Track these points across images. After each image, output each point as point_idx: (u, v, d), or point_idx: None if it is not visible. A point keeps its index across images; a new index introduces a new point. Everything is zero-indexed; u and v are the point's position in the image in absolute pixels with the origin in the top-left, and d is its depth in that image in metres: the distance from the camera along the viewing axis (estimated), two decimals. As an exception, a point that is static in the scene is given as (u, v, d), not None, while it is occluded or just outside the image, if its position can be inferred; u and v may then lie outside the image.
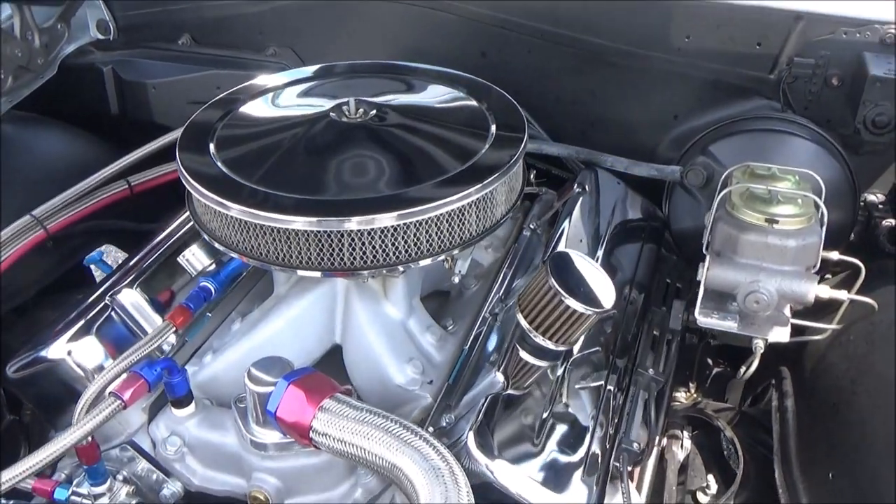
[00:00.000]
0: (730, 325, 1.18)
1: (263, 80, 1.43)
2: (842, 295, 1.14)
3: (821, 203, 1.17)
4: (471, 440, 1.02)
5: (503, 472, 1.02)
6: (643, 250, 1.45)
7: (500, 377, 1.10)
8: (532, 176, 1.57)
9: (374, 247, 1.09)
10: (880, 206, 1.55)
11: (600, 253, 1.38)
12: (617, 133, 1.66)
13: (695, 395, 1.52)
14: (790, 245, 1.14)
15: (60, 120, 1.84)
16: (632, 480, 1.16)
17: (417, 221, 1.08)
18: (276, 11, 1.79)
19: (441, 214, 1.09)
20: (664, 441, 1.33)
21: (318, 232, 1.07)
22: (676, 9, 1.54)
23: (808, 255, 1.15)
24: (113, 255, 1.79)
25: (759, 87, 1.55)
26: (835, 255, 1.23)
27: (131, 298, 1.24)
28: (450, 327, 1.31)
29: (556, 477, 1.07)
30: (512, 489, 1.01)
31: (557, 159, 1.64)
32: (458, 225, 1.13)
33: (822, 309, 1.23)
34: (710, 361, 1.61)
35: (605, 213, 1.47)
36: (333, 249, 1.09)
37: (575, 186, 1.49)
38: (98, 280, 1.43)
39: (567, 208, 1.43)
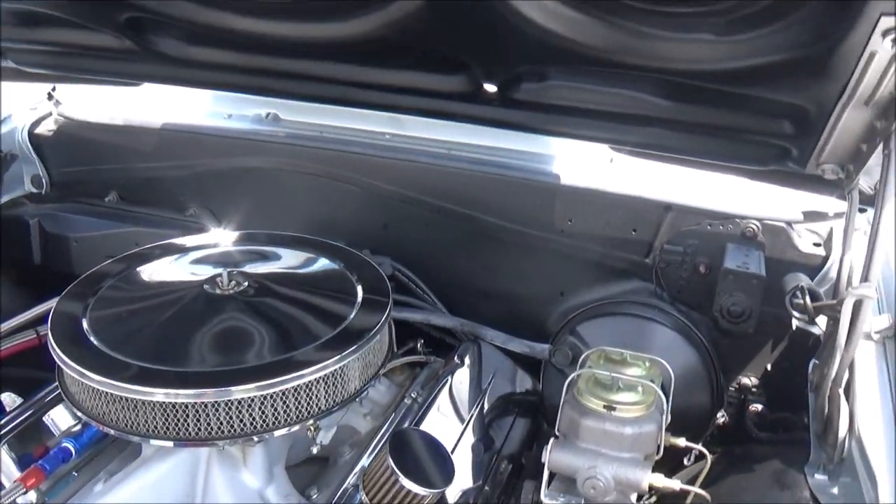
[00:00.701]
0: (579, 507, 1.20)
1: (155, 246, 1.52)
2: (675, 485, 1.17)
3: (659, 392, 1.23)
4: None
5: None
6: (515, 424, 1.49)
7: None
8: (420, 345, 1.64)
9: (219, 418, 1.13)
10: (753, 390, 1.60)
11: (470, 426, 1.41)
12: (507, 306, 1.72)
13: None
14: (627, 432, 1.18)
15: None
16: None
17: (262, 396, 1.13)
18: (197, 176, 1.90)
19: (287, 389, 1.14)
20: None
21: (165, 403, 1.11)
22: (559, 193, 1.65)
23: (646, 442, 1.19)
24: (11, 403, 1.80)
25: (637, 270, 1.64)
26: (682, 442, 1.27)
27: (-7, 456, 1.26)
28: (314, 496, 1.33)
29: None
30: None
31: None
32: (307, 399, 1.17)
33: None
34: None
35: (482, 386, 1.51)
36: (179, 420, 1.13)
37: (455, 359, 1.55)
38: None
39: (441, 380, 1.48)
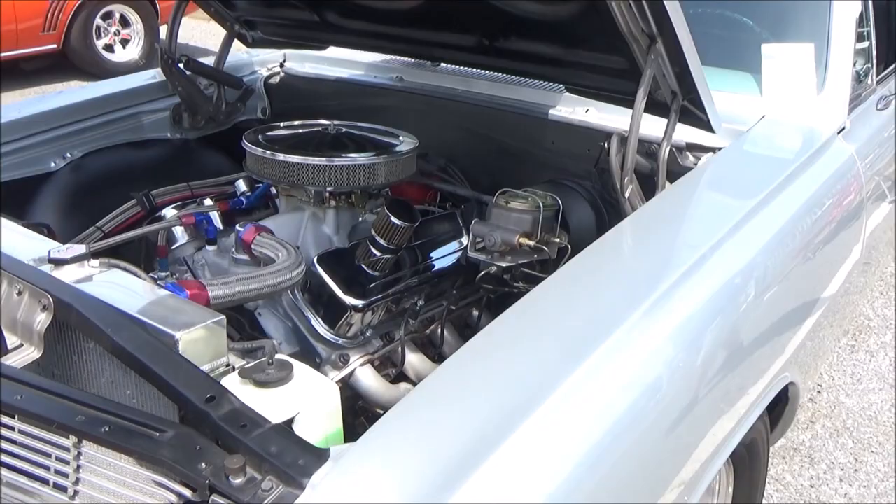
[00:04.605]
0: (481, 257, 2.19)
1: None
2: (531, 241, 2.12)
3: (539, 203, 2.18)
4: (317, 260, 2.12)
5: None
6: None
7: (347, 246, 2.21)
8: (448, 205, 2.70)
9: (308, 175, 2.26)
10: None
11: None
12: (511, 195, 2.73)
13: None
14: (512, 216, 2.15)
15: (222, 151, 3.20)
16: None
17: (330, 166, 2.25)
18: (351, 111, 3.09)
19: (340, 166, 2.25)
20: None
21: (286, 163, 2.27)
22: (548, 124, 2.64)
23: (522, 224, 2.14)
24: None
25: (590, 176, 2.58)
26: (557, 239, 2.21)
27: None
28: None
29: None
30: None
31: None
32: (353, 175, 2.27)
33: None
34: None
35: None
36: (295, 174, 2.27)
37: (462, 207, 2.60)
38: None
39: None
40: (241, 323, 2.16)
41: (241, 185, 2.56)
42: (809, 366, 2.44)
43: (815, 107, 2.51)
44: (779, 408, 2.30)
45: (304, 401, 1.48)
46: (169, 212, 2.47)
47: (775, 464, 3.13)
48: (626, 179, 2.07)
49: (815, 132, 2.43)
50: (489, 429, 1.26)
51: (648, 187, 2.21)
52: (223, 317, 1.62)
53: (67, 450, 1.44)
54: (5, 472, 1.51)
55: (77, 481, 1.44)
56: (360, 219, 2.41)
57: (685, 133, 2.38)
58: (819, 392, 3.60)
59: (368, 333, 2.19)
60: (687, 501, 1.60)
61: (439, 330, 2.35)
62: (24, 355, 1.69)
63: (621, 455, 1.39)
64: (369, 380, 2.15)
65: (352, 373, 2.14)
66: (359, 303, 2.10)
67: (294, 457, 1.26)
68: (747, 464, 2.15)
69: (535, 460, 1.26)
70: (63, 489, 1.45)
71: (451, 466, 1.20)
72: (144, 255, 2.49)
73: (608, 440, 1.37)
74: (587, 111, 2.63)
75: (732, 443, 1.72)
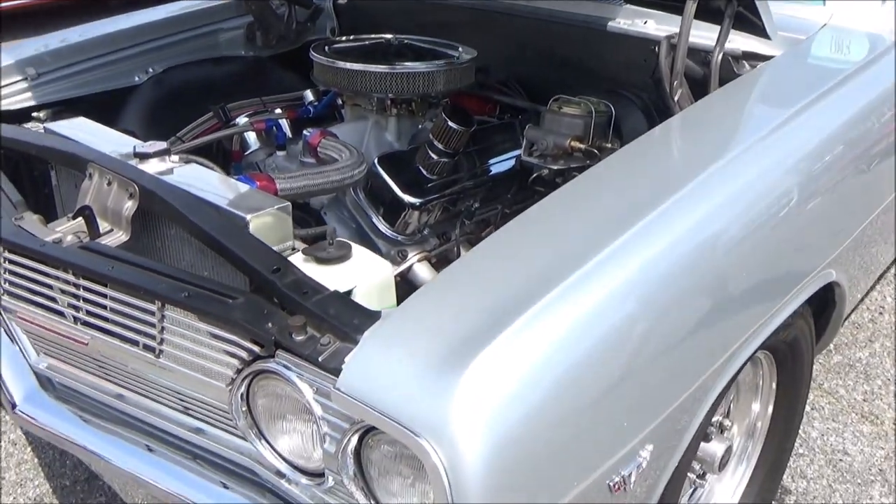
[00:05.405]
0: (534, 160, 2.28)
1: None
2: (583, 145, 2.19)
3: (591, 108, 2.25)
4: (377, 161, 2.25)
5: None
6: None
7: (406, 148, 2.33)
8: (507, 117, 2.79)
9: (372, 83, 2.38)
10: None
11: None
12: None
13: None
14: (564, 120, 2.23)
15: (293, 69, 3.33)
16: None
17: (392, 73, 2.36)
18: (416, 27, 3.19)
19: (402, 73, 2.36)
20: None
21: (350, 70, 2.39)
22: (607, 36, 2.68)
23: (574, 128, 2.22)
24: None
25: (645, 86, 2.62)
26: (609, 145, 2.28)
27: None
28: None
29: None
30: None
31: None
32: (412, 83, 2.37)
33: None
34: None
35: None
36: (356, 80, 2.39)
37: (519, 117, 2.68)
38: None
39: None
40: (308, 221, 2.32)
41: (309, 96, 2.70)
42: (858, 277, 2.46)
43: (878, 14, 2.48)
44: (826, 313, 2.34)
45: (361, 276, 1.63)
46: (242, 119, 2.62)
47: (829, 378, 3.18)
48: (675, 83, 2.12)
49: (876, 38, 2.41)
50: (522, 293, 1.38)
51: (703, 95, 2.25)
52: (289, 203, 1.77)
53: (153, 314, 1.62)
54: (102, 336, 1.72)
55: (162, 342, 1.63)
56: (420, 126, 2.52)
57: (742, 42, 2.40)
58: (881, 313, 3.59)
59: (426, 232, 2.33)
60: (714, 386, 1.69)
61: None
62: (114, 237, 1.88)
63: (649, 329, 1.50)
64: (426, 275, 2.29)
65: (410, 268, 2.28)
66: (416, 201, 2.23)
67: (349, 317, 1.41)
68: (790, 362, 2.22)
69: (565, 327, 1.37)
70: (151, 349, 1.65)
71: (483, 326, 1.32)
72: (221, 162, 2.66)
73: (638, 311, 1.48)
74: (645, 23, 2.65)
75: (766, 331, 1.79)
